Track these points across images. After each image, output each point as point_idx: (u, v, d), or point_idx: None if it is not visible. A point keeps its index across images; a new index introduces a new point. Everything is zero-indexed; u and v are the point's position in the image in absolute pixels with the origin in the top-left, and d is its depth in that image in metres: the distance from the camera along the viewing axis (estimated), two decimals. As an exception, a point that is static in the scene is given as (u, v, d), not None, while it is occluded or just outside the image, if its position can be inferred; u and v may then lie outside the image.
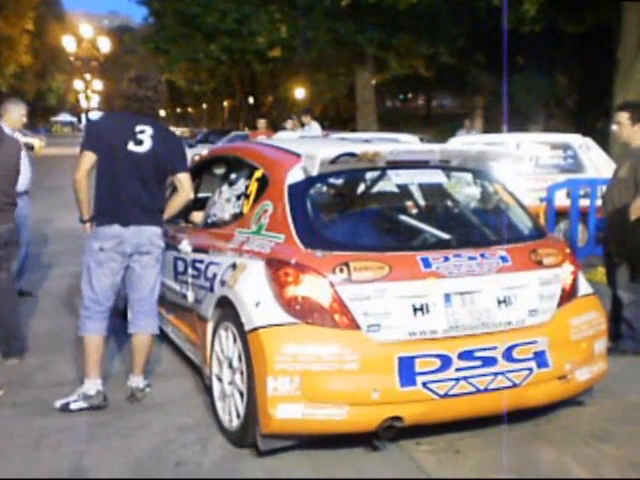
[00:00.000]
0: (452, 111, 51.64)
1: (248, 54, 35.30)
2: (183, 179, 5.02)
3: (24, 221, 7.18)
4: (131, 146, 4.81)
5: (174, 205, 5.10)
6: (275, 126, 16.97)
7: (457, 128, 15.14)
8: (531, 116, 24.00)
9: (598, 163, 10.42)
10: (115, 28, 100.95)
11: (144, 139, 4.84)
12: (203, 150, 24.78)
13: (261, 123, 14.87)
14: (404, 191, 5.11)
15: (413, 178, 4.86)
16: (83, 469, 4.04)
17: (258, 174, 4.89)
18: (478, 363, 4.07)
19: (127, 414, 4.78)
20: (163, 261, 5.16)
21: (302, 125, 14.45)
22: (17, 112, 6.47)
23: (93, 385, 4.83)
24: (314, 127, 14.21)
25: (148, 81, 4.96)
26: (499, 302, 4.24)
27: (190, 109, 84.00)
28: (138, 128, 4.84)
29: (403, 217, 4.75)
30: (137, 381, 5.06)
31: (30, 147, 8.02)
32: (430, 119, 47.80)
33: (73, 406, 4.78)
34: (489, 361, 4.10)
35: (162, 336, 5.84)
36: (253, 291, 4.17)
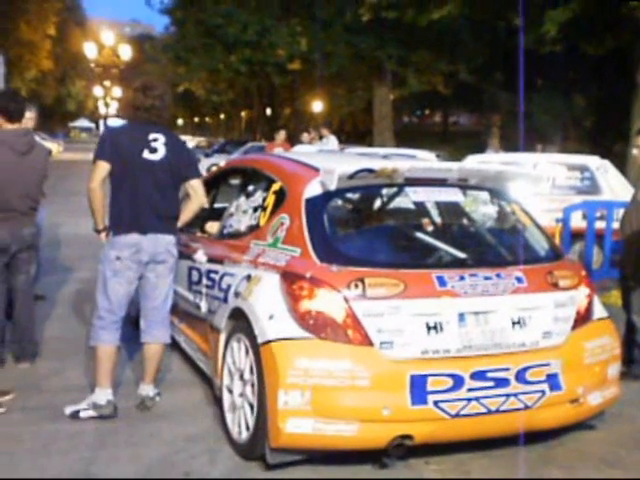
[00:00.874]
0: (469, 129, 51.65)
1: (268, 66, 35.50)
2: (196, 185, 5.05)
3: (41, 224, 7.19)
4: (146, 154, 4.84)
5: (188, 211, 5.12)
6: (292, 139, 16.94)
7: (480, 146, 15.11)
8: (548, 137, 23.95)
9: (615, 186, 10.38)
10: (136, 36, 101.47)
11: (158, 147, 4.87)
12: (220, 160, 24.87)
13: (280, 135, 14.64)
14: (421, 208, 5.11)
15: (430, 196, 4.85)
16: (92, 476, 4.04)
17: (276, 187, 4.90)
18: (490, 384, 4.05)
19: (137, 422, 4.78)
20: (176, 270, 5.17)
21: (320, 138, 14.44)
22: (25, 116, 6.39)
23: (104, 395, 4.83)
24: (332, 140, 14.22)
25: (153, 90, 4.97)
26: (513, 323, 4.22)
27: (208, 119, 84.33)
28: (151, 136, 4.87)
29: (419, 234, 4.75)
30: (147, 389, 5.06)
31: (48, 152, 8.05)
32: (447, 136, 47.79)
33: (83, 414, 4.79)
34: (501, 382, 4.08)
35: (173, 345, 5.85)
36: (267, 304, 4.17)
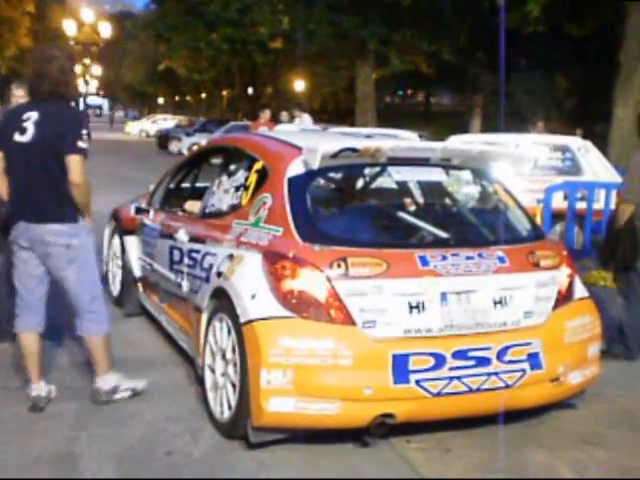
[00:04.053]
0: (451, 109, 51.66)
1: (249, 44, 35.30)
2: (72, 162, 4.32)
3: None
4: (17, 137, 4.41)
5: (76, 199, 4.42)
6: (275, 118, 16.89)
7: (462, 126, 15.05)
8: (530, 117, 24.00)
9: (596, 166, 10.41)
10: (116, 13, 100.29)
11: (27, 127, 4.39)
12: (201, 139, 24.75)
13: (265, 114, 14.34)
14: (404, 188, 5.11)
15: (413, 175, 4.86)
16: (74, 455, 4.03)
17: (258, 166, 4.87)
18: (472, 363, 4.07)
19: (118, 402, 4.76)
20: (157, 248, 5.07)
21: (292, 118, 14.43)
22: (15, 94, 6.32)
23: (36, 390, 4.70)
24: (305, 119, 14.21)
25: (34, 58, 4.66)
26: (495, 302, 4.24)
27: (189, 97, 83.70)
28: (25, 116, 4.43)
29: (402, 214, 4.74)
30: (104, 382, 4.75)
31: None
32: (429, 116, 47.77)
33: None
34: (483, 361, 4.10)
35: (154, 324, 5.83)
36: (249, 283, 4.16)
